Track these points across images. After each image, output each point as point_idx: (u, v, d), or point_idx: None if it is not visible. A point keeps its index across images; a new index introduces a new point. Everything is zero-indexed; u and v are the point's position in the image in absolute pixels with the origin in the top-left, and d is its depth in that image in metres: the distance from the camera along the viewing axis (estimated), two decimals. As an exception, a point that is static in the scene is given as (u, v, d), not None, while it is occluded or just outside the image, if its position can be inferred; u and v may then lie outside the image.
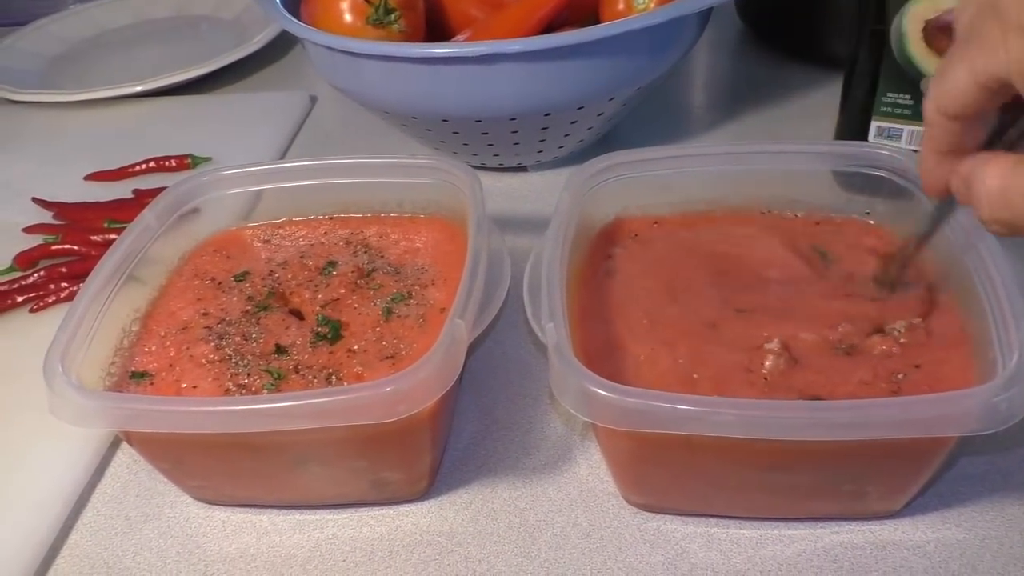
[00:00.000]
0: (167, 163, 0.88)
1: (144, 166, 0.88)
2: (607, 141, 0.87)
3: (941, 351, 0.48)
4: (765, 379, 0.49)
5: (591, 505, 0.54)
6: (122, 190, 0.84)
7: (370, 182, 0.63)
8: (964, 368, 0.46)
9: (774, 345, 0.50)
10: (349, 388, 0.44)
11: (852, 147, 0.59)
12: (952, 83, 0.39)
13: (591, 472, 0.56)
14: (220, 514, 0.56)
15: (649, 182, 0.62)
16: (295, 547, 0.53)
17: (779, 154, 0.60)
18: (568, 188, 0.58)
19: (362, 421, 0.44)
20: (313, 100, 1.04)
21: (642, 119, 0.94)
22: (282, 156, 0.93)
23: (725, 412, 0.42)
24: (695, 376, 0.49)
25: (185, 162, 0.89)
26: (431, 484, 0.56)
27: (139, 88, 1.03)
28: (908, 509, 0.51)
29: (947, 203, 0.46)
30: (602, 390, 0.43)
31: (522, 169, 0.86)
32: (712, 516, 0.52)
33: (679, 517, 0.53)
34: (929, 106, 0.41)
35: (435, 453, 0.55)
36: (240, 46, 1.09)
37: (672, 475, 0.50)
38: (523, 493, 0.55)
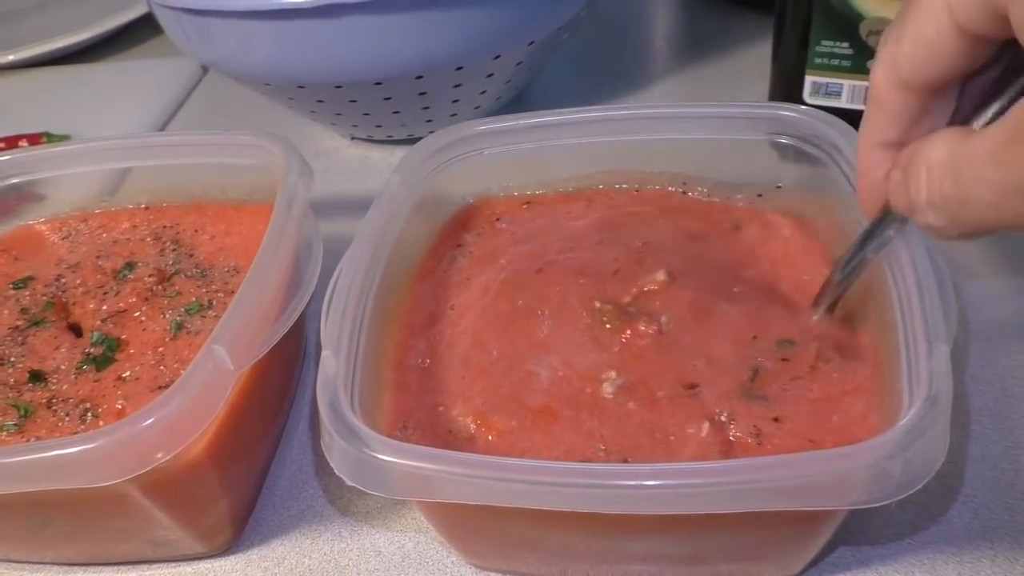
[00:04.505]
0: (18, 142, 0.77)
1: (-8, 147, 0.78)
2: (517, 107, 0.75)
3: (826, 385, 0.37)
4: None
5: (426, 562, 0.44)
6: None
7: (181, 164, 0.52)
8: (867, 409, 0.35)
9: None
10: (44, 444, 0.34)
11: (753, 109, 0.47)
12: (918, 34, 0.28)
13: (434, 519, 0.45)
14: (-11, 572, 0.46)
15: (515, 157, 0.50)
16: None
17: (670, 119, 0.48)
18: (399, 169, 0.47)
19: (67, 485, 0.34)
20: (205, 68, 0.92)
21: (565, 79, 0.82)
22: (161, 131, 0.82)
23: (519, 479, 0.31)
24: (530, 439, 0.38)
25: (39, 140, 0.78)
26: (238, 534, 0.46)
27: (11, 58, 0.92)
28: (814, 569, 0.40)
29: (886, 219, 0.35)
30: (373, 450, 0.32)
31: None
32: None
33: (526, 578, 0.42)
34: (879, 74, 0.30)
35: (235, 498, 0.45)
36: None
37: (503, 542, 0.39)
38: (348, 546, 0.45)
